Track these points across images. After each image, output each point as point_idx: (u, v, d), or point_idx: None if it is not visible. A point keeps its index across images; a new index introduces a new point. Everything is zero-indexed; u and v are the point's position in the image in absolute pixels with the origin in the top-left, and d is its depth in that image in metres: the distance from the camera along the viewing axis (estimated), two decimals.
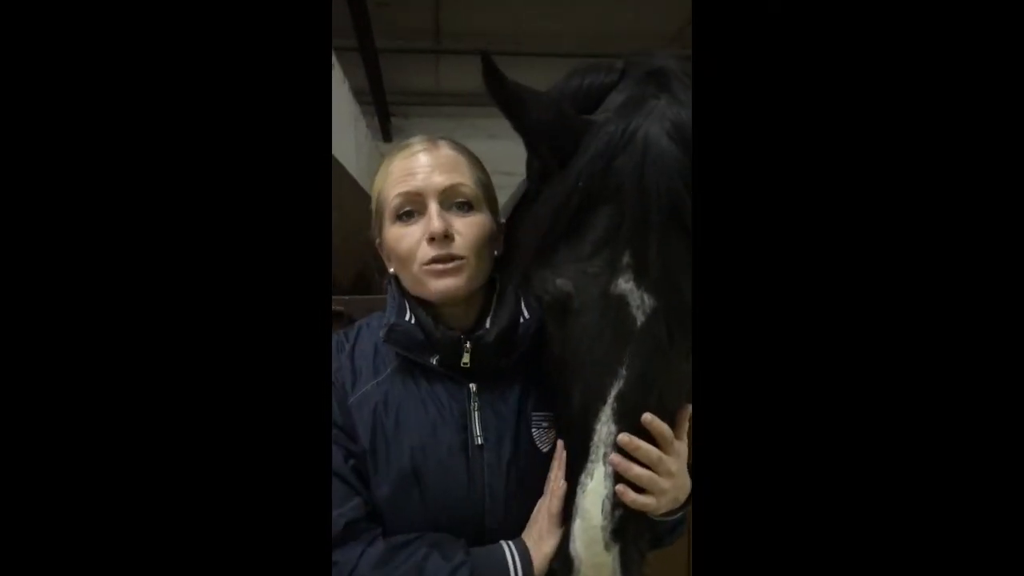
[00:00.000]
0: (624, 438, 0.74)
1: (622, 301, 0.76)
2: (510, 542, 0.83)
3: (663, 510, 0.79)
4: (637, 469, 0.75)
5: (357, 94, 3.02)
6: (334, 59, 2.35)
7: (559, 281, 0.78)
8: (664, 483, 0.76)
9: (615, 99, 0.84)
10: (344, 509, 0.81)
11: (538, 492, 0.86)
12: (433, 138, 0.92)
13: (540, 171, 0.88)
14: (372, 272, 2.00)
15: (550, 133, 0.81)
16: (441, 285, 0.85)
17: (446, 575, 0.78)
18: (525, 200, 1.01)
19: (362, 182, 2.22)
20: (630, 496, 0.74)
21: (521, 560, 0.81)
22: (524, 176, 1.03)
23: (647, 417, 0.75)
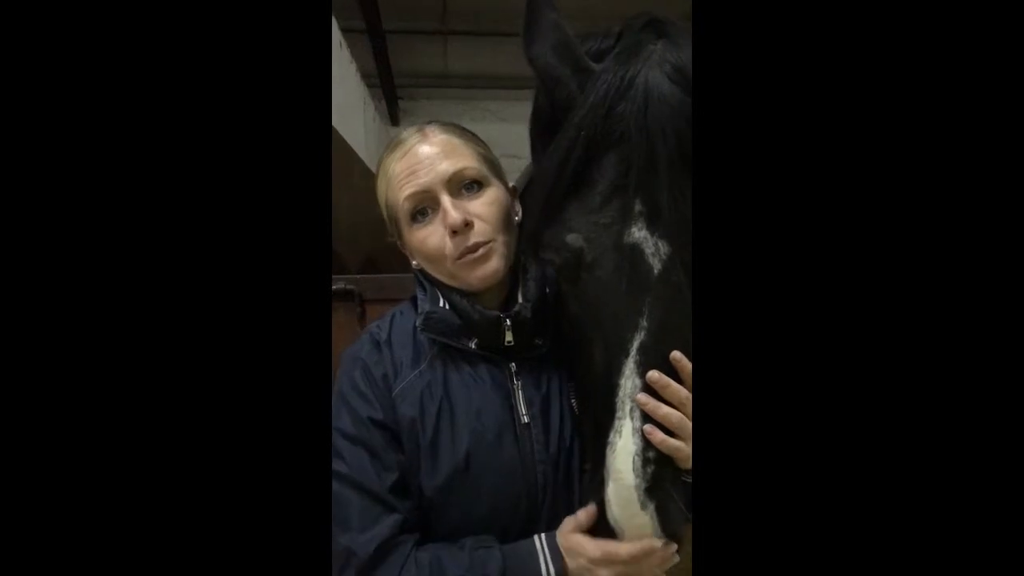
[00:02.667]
0: (654, 375, 0.73)
1: (636, 250, 0.75)
2: (541, 537, 0.82)
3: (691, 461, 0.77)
4: (665, 409, 0.73)
5: (364, 76, 3.00)
6: (343, 41, 2.33)
7: (569, 237, 0.77)
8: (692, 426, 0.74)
9: (613, 54, 0.83)
10: (374, 530, 0.80)
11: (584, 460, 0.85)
12: (421, 127, 0.91)
13: (543, 146, 0.88)
14: (380, 255, 2.00)
15: (556, 76, 0.80)
16: (479, 274, 0.86)
17: None
18: (531, 184, 1.01)
19: (371, 165, 2.22)
20: (658, 437, 0.73)
21: (552, 559, 0.80)
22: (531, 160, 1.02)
23: (676, 355, 0.74)
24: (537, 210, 0.82)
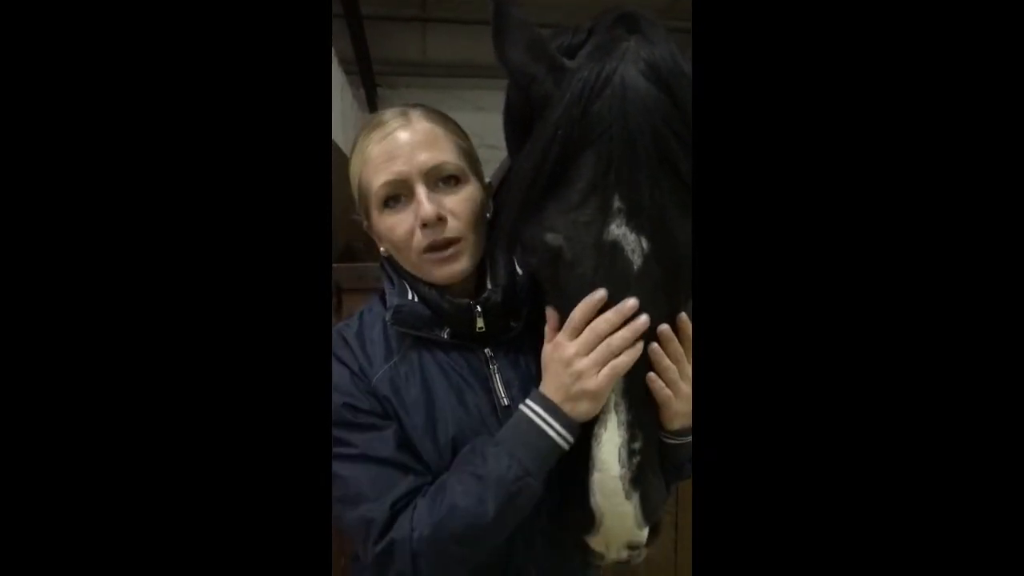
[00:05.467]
0: (664, 328, 0.77)
1: (616, 247, 0.76)
2: (525, 401, 0.80)
3: (677, 421, 0.81)
4: (667, 362, 0.77)
5: (341, 63, 2.96)
6: None
7: (549, 236, 0.78)
8: (684, 386, 0.79)
9: (586, 50, 0.83)
10: (390, 493, 0.79)
11: None
12: (404, 110, 0.89)
13: (517, 141, 0.88)
14: (359, 245, 1.98)
15: (531, 74, 0.80)
16: (444, 272, 0.85)
17: (483, 482, 0.76)
18: (507, 181, 1.01)
19: (347, 152, 2.19)
20: (658, 384, 0.77)
21: (543, 407, 0.79)
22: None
23: (683, 316, 0.79)
24: (514, 209, 0.82)
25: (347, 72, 3.20)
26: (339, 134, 2.53)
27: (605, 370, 0.75)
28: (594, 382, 0.75)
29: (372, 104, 4.36)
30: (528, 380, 0.89)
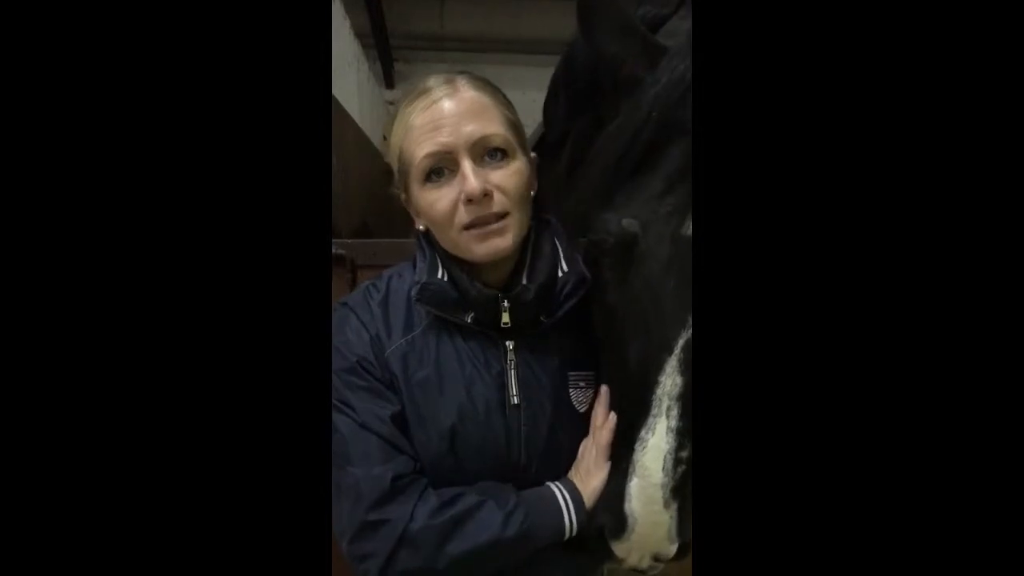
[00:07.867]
0: None
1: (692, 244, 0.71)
2: (557, 482, 0.82)
3: None
4: None
5: (358, 36, 2.92)
6: None
7: (625, 221, 0.73)
8: None
9: (680, 25, 0.78)
10: (389, 465, 0.78)
11: (575, 452, 0.85)
12: (451, 77, 0.83)
13: (568, 113, 0.83)
14: (374, 221, 1.98)
15: (624, 57, 0.75)
16: (487, 249, 0.81)
17: (500, 520, 0.76)
18: (539, 145, 0.97)
19: (364, 127, 2.17)
20: None
21: (571, 497, 0.80)
22: (537, 123, 0.98)
23: None
24: (590, 190, 0.77)
25: (364, 46, 3.16)
26: (355, 109, 2.52)
27: None
28: None
29: (389, 78, 4.31)
30: (545, 384, 0.85)
